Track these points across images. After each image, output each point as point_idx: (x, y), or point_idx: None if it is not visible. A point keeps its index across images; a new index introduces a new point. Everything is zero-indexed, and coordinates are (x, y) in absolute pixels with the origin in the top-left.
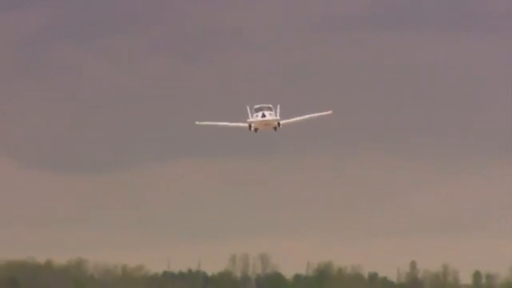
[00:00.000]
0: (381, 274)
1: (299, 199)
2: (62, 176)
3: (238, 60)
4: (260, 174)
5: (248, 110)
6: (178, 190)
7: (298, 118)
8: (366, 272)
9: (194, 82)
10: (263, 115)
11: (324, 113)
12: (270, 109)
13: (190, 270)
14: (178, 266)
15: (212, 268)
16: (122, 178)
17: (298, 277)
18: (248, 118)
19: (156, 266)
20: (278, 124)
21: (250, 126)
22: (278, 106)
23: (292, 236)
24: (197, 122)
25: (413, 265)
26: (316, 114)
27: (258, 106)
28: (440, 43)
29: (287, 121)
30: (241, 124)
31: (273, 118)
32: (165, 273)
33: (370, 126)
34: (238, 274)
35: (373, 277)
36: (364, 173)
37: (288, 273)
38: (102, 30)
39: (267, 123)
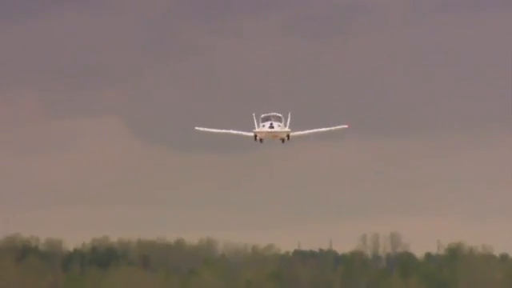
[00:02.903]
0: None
1: (430, 179)
2: (190, 156)
3: (366, 39)
4: (391, 155)
5: (254, 118)
6: (309, 169)
7: (309, 132)
8: (496, 252)
9: (322, 61)
10: (271, 126)
11: (338, 127)
12: (278, 119)
13: (321, 249)
14: (309, 245)
15: (343, 247)
16: (252, 157)
17: (428, 256)
18: (254, 127)
19: (286, 245)
20: (288, 136)
21: (255, 137)
22: (289, 115)
23: (423, 215)
24: (196, 128)
25: None
26: (328, 128)
27: (265, 114)
28: None
29: (297, 133)
30: (245, 133)
31: (281, 129)
32: (295, 252)
33: (501, 107)
34: (369, 253)
35: (504, 257)
36: (495, 153)
37: (418, 252)
38: (230, 10)
39: (275, 135)
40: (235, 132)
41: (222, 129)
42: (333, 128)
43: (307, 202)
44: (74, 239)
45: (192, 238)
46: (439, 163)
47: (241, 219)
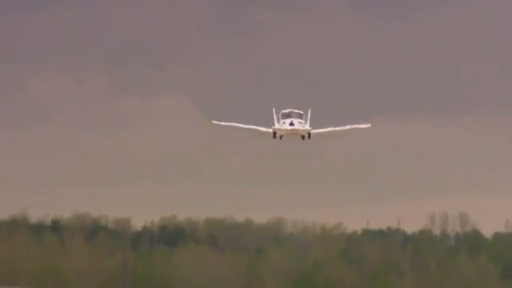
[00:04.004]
0: None
1: (498, 157)
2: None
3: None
4: (458, 133)
5: (274, 114)
6: (377, 148)
7: (330, 129)
8: None
9: (391, 41)
10: (291, 123)
11: (361, 125)
12: (300, 116)
13: (389, 228)
14: (378, 223)
15: (411, 226)
16: (321, 137)
17: (496, 235)
18: (274, 124)
19: (355, 224)
20: (308, 134)
21: (274, 134)
22: (309, 112)
23: (491, 194)
24: (213, 121)
25: None
26: (350, 127)
27: (286, 111)
28: None
29: (318, 131)
30: (263, 129)
31: (303, 127)
32: (364, 231)
33: None
34: (437, 232)
35: None
36: None
37: (487, 231)
38: None
39: (295, 132)
40: (251, 127)
41: (239, 123)
42: (355, 126)
43: (375, 181)
44: (143, 218)
45: (260, 216)
46: (506, 141)
47: (310, 198)
